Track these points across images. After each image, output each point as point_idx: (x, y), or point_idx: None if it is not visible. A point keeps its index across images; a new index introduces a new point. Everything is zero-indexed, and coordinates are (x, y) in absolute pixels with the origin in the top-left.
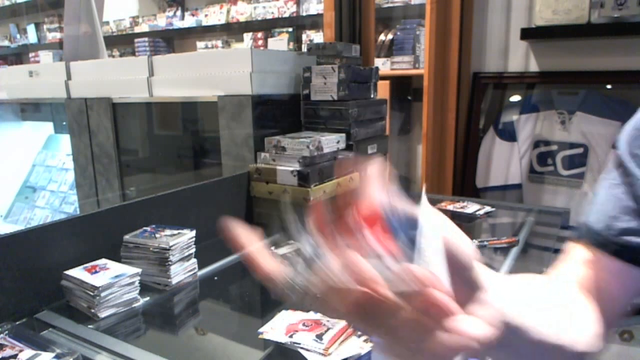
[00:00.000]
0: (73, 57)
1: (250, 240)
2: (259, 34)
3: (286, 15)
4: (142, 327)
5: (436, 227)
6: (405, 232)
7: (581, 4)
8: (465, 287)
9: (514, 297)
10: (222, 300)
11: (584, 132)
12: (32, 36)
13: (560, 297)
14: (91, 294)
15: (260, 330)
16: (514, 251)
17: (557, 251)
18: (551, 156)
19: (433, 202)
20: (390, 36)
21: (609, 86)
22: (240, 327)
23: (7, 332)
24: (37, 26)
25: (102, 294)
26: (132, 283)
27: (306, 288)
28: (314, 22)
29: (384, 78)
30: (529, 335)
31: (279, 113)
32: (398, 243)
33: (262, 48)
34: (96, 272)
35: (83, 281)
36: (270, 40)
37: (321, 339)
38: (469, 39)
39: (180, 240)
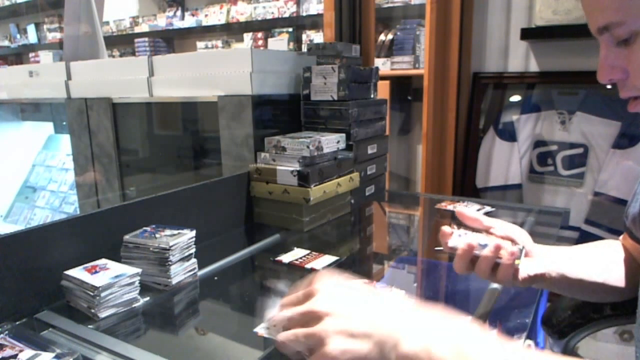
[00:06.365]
0: (73, 57)
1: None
2: (259, 34)
3: (286, 15)
4: (142, 327)
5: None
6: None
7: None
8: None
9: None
10: (222, 300)
11: (584, 132)
12: (32, 36)
13: (597, 250)
14: (91, 294)
15: (260, 328)
16: None
17: None
18: (551, 156)
19: (433, 202)
20: (390, 36)
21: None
22: (240, 327)
23: (7, 332)
24: (37, 26)
25: (102, 294)
26: (132, 283)
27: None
28: (314, 22)
29: (384, 78)
30: (568, 277)
31: (279, 113)
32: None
33: (262, 48)
34: (96, 272)
35: (83, 281)
36: (270, 40)
37: None
38: (469, 39)
39: (180, 240)
